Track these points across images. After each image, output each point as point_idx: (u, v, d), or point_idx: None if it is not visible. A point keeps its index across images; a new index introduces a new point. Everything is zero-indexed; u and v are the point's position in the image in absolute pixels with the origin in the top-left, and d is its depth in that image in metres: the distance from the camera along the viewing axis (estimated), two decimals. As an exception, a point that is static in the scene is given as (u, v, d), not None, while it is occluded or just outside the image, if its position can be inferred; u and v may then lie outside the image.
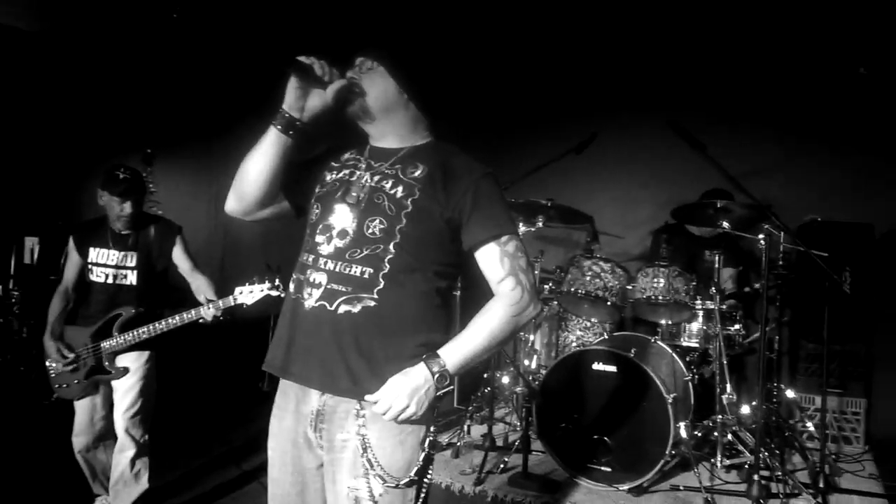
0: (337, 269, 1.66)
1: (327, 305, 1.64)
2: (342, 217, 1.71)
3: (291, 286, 1.76)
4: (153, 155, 6.89)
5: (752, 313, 4.38)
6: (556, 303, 4.35)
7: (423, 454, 1.67)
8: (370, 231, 1.66)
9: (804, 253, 3.65)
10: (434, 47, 4.93)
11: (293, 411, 1.73)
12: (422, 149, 1.79)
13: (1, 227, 5.48)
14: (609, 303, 3.92)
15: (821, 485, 3.42)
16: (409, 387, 1.59)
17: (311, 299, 1.66)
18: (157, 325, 3.04)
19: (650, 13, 5.22)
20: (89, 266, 3.22)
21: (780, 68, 4.85)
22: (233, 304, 2.94)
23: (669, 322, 4.05)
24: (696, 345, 3.98)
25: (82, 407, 3.20)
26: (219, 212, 1.92)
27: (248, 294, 2.91)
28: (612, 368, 3.52)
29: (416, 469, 1.65)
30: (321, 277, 1.67)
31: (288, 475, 1.75)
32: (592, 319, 4.38)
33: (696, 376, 3.85)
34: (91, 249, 3.23)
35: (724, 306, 3.88)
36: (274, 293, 2.87)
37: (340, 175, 1.79)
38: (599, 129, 4.21)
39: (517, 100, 5.78)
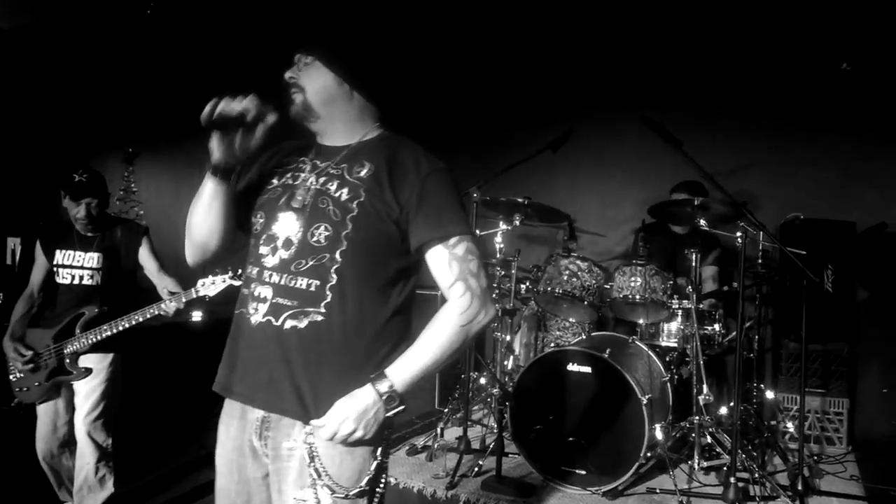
0: (282, 283, 1.58)
1: (273, 321, 1.57)
2: (286, 225, 1.62)
3: (238, 300, 1.69)
4: (135, 154, 6.84)
5: (734, 312, 4.34)
6: (533, 302, 4.29)
7: (374, 462, 1.60)
8: (315, 239, 1.58)
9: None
10: (410, 45, 4.94)
11: (239, 418, 1.68)
12: (369, 144, 1.70)
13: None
14: (586, 302, 3.86)
15: (799, 487, 3.37)
16: (356, 410, 1.52)
17: (258, 314, 1.60)
18: (119, 322, 2.98)
19: (628, 9, 5.17)
20: (56, 268, 3.18)
21: (762, 64, 4.80)
22: (195, 296, 2.90)
23: (647, 322, 3.99)
24: (675, 344, 3.91)
25: (45, 412, 3.15)
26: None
27: (211, 285, 2.86)
28: (587, 369, 3.46)
29: (367, 478, 1.59)
30: (266, 291, 1.60)
31: (234, 484, 1.69)
32: (571, 319, 4.33)
33: (676, 377, 3.79)
34: (57, 251, 3.19)
35: (703, 305, 3.83)
36: (236, 283, 2.81)
37: (284, 179, 1.71)
38: (577, 125, 4.15)
39: (493, 97, 5.71)
